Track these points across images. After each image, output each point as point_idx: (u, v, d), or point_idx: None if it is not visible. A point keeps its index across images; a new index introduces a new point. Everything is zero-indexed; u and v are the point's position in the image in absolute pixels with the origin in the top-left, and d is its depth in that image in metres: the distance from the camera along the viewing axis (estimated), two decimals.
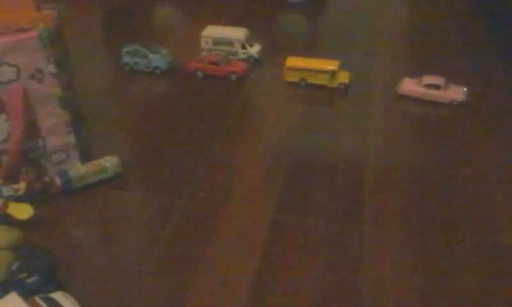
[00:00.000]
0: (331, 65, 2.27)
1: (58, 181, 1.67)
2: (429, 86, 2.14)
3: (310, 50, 2.62)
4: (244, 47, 2.47)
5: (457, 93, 2.14)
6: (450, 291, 1.39)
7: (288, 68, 2.30)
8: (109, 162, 1.74)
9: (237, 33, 2.49)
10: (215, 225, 1.60)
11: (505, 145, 1.92)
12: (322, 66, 2.27)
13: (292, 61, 2.30)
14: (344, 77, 2.29)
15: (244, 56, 2.49)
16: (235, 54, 2.49)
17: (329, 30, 2.92)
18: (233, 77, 2.37)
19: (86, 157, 1.77)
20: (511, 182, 1.74)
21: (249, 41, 2.52)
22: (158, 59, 2.38)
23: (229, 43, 2.49)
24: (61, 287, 1.31)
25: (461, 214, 1.64)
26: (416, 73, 2.35)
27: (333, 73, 2.26)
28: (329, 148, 1.95)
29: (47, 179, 1.67)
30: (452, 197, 1.70)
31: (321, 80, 2.29)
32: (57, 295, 1.26)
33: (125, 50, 2.42)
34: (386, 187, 1.75)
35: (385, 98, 2.24)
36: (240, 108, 2.19)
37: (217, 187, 1.75)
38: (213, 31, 2.53)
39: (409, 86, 2.19)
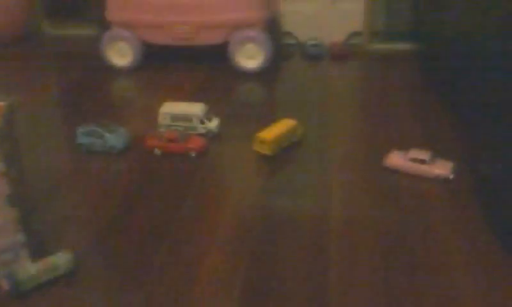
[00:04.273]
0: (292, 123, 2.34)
1: (5, 284, 1.56)
2: (414, 160, 2.12)
3: (267, 118, 2.64)
4: (202, 122, 2.47)
5: (443, 169, 2.10)
6: None
7: (266, 142, 2.26)
8: (62, 259, 1.65)
9: (195, 109, 2.50)
10: None
11: (476, 228, 1.91)
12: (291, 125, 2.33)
13: (266, 134, 2.28)
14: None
15: (203, 131, 2.48)
16: (194, 129, 2.48)
17: (286, 96, 2.98)
18: (193, 154, 2.34)
19: (39, 251, 1.67)
20: (476, 263, 1.73)
21: (208, 115, 2.53)
22: (113, 138, 2.33)
23: (188, 119, 2.48)
24: None
25: (424, 287, 1.62)
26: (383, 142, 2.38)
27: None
28: (293, 217, 1.91)
29: None
30: (416, 273, 1.68)
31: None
32: None
33: (80, 130, 2.37)
34: (352, 259, 1.72)
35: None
36: (199, 186, 2.15)
37: (178, 274, 1.68)
38: (171, 108, 2.52)
39: (395, 159, 2.17)
